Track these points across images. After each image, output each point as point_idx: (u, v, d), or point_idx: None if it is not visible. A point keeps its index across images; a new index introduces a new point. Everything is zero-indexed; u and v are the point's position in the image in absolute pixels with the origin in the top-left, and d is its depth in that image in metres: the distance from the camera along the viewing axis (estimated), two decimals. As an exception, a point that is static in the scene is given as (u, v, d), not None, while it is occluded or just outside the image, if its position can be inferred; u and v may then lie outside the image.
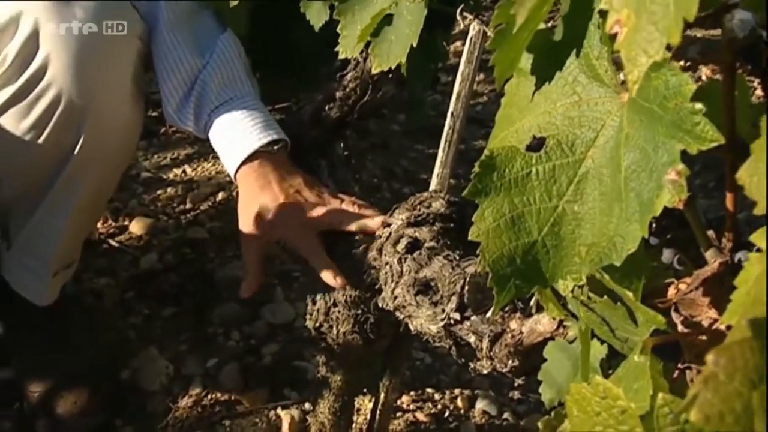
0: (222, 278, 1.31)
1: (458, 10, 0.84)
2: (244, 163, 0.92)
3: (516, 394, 1.16)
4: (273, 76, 1.06)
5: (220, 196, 1.51)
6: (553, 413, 0.50)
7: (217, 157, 1.57)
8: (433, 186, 0.92)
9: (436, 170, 0.91)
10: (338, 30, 0.73)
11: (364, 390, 1.09)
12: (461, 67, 0.85)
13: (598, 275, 0.47)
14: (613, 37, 0.36)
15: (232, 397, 1.12)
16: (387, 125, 1.69)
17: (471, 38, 0.84)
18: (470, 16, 0.83)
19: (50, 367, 1.08)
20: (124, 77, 0.92)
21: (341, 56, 0.72)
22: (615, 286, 0.46)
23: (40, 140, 0.92)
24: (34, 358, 1.09)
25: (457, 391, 1.16)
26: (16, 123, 0.91)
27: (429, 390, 1.16)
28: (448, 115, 0.88)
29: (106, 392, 1.08)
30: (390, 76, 1.01)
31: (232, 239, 1.37)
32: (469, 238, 0.51)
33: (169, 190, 1.53)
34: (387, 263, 0.82)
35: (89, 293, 1.27)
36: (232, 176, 0.95)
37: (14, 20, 0.86)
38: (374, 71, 0.67)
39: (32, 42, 0.86)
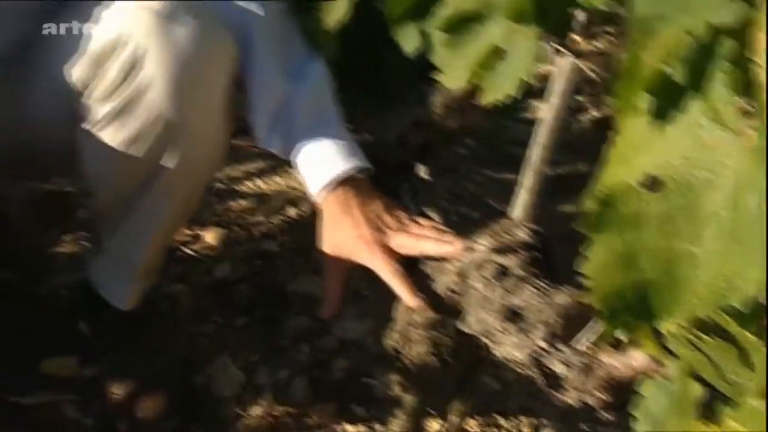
0: (293, 291, 1.33)
1: (550, 43, 0.85)
2: (326, 188, 0.95)
3: (584, 426, 1.16)
4: (359, 96, 1.09)
5: (291, 210, 1.54)
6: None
7: (289, 172, 1.63)
8: (515, 213, 0.93)
9: (521, 198, 0.92)
10: (441, 60, 0.75)
11: (434, 411, 1.10)
12: (553, 99, 0.86)
13: (715, 316, 0.48)
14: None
15: (301, 410, 1.14)
16: (454, 148, 1.70)
17: (564, 73, 0.85)
18: (565, 51, 0.85)
19: (130, 370, 1.12)
20: (218, 98, 0.96)
21: (446, 86, 0.74)
22: (735, 328, 0.46)
23: (136, 153, 0.96)
24: (116, 361, 1.13)
25: (523, 419, 1.16)
26: (114, 136, 0.95)
27: (495, 415, 1.16)
28: (537, 144, 0.89)
29: (181, 397, 1.12)
30: (475, 102, 1.03)
31: (303, 254, 1.40)
32: (581, 271, 0.52)
33: (241, 202, 1.57)
34: (472, 288, 0.83)
35: (165, 299, 1.31)
36: (315, 200, 0.97)
37: (118, 39, 0.90)
38: (483, 103, 0.69)
39: (134, 61, 0.90)
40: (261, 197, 1.59)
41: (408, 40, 0.96)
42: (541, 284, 0.76)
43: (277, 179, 1.65)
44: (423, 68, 0.97)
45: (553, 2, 0.57)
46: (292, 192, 1.60)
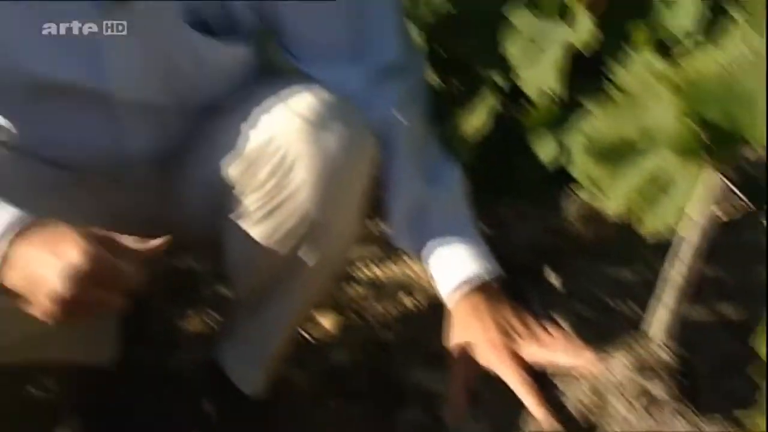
0: (407, 383, 1.34)
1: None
2: (457, 290, 0.97)
3: None
4: (493, 201, 1.11)
5: (406, 299, 1.56)
6: None
7: (404, 260, 1.65)
8: (652, 331, 0.91)
9: (659, 315, 0.90)
10: (594, 181, 0.76)
11: None
12: (700, 220, 0.85)
13: None
14: None
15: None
16: (584, 254, 1.69)
17: (712, 194, 0.83)
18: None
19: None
20: (360, 198, 1.00)
21: (601, 208, 0.75)
22: None
23: (278, 249, 1.00)
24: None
25: None
26: (260, 231, 1.00)
27: None
28: (679, 261, 0.87)
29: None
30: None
31: (417, 345, 1.41)
32: (758, 419, 0.50)
33: (357, 288, 1.60)
34: (611, 407, 0.81)
35: (282, 384, 1.34)
36: (444, 301, 0.99)
37: (270, 141, 0.96)
38: (643, 232, 0.69)
39: (284, 164, 0.95)
40: (376, 284, 1.62)
41: (545, 150, 0.98)
42: (690, 413, 0.74)
43: (392, 266, 1.68)
44: (558, 177, 0.99)
45: (721, 138, 0.58)
46: (406, 280, 1.62)
